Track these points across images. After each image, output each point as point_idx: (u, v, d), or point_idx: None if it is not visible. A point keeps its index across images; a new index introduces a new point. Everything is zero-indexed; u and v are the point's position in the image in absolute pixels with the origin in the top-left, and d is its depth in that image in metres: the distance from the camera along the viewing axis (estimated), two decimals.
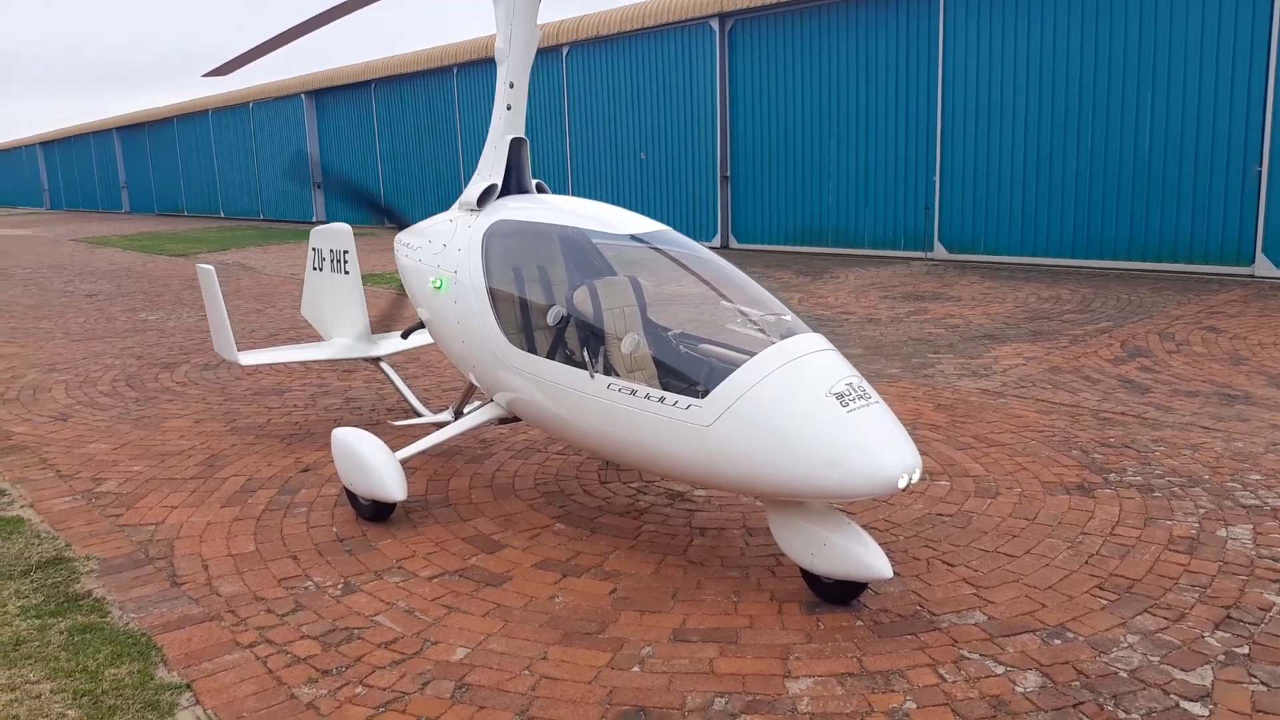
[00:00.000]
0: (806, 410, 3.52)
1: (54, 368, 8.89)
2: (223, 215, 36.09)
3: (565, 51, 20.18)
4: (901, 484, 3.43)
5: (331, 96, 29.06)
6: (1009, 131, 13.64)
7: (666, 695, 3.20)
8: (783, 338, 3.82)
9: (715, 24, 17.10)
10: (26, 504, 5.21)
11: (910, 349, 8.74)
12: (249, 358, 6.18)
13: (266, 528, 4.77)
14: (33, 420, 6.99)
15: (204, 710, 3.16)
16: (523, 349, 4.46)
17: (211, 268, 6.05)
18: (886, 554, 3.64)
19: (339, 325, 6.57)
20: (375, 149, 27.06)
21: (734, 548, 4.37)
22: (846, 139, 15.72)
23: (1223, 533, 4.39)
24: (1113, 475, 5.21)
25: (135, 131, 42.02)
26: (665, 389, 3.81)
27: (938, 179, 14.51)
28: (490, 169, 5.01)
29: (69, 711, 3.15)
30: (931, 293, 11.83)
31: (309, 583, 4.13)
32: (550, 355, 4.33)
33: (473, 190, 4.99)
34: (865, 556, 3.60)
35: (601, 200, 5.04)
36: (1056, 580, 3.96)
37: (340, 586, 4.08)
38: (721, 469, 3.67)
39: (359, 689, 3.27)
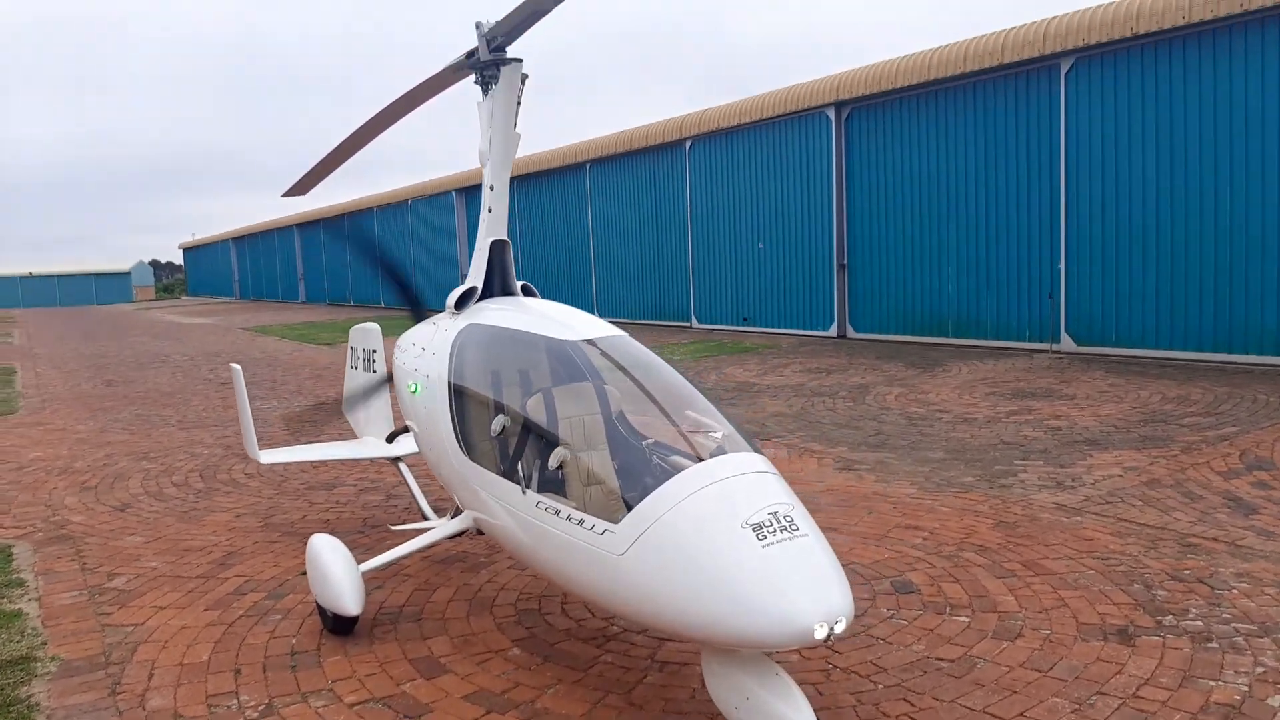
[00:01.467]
0: (716, 542, 3.12)
1: (146, 456, 9.33)
2: (383, 305, 38.06)
3: (689, 145, 20.34)
4: (819, 634, 2.96)
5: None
6: (1138, 213, 12.58)
7: None
8: (712, 455, 3.45)
9: (831, 112, 16.84)
10: (35, 598, 5.34)
11: (996, 454, 7.99)
12: (270, 456, 6.24)
13: (232, 635, 4.68)
14: (94, 510, 7.28)
15: None
16: (472, 459, 4.24)
17: (239, 367, 6.17)
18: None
19: (366, 424, 6.58)
20: (516, 241, 27.96)
21: (686, 689, 3.92)
22: (967, 224, 14.96)
23: (1274, 701, 3.62)
24: (1169, 618, 4.45)
25: (311, 227, 45.28)
26: (594, 512, 3.49)
27: (1063, 266, 13.53)
28: (473, 271, 4.92)
29: None
30: (1044, 389, 10.91)
31: (234, 701, 3.98)
32: (496, 467, 4.09)
33: (455, 292, 4.90)
34: (790, 718, 3.13)
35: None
36: None
37: (261, 708, 3.91)
38: (633, 604, 3.30)
39: None
